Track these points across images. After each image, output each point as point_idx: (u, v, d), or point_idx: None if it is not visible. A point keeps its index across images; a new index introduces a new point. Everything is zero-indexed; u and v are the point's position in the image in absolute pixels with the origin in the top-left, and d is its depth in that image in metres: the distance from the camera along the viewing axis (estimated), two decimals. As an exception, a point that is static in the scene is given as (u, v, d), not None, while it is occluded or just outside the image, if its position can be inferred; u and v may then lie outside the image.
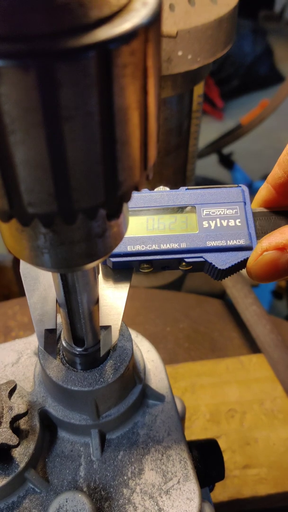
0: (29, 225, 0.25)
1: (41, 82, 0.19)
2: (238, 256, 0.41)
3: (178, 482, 0.45)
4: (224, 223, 0.42)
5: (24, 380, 0.50)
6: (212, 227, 0.41)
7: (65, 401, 0.46)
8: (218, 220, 0.42)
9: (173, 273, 1.20)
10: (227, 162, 2.31)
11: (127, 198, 0.26)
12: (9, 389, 0.44)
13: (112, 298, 0.41)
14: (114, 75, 0.20)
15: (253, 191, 0.45)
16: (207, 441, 0.50)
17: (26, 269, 0.41)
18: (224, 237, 0.41)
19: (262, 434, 0.72)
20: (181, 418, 0.53)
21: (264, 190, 0.44)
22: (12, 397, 0.45)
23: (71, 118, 0.20)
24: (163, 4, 0.68)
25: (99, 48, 0.19)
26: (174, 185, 0.44)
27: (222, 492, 0.65)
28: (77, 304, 0.39)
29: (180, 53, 0.70)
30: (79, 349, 0.43)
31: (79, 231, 0.28)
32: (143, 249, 0.40)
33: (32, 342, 0.54)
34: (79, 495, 0.41)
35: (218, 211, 0.42)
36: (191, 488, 0.44)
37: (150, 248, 0.40)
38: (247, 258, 0.40)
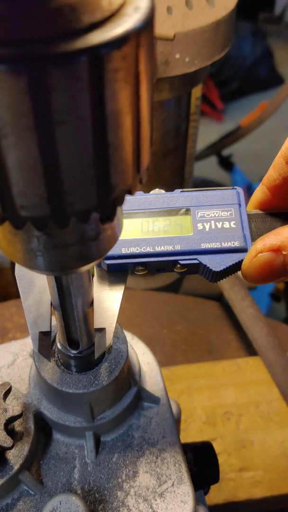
0: (22, 228, 0.25)
1: (33, 86, 0.19)
2: (233, 258, 0.41)
3: (173, 485, 0.45)
4: (219, 225, 0.41)
5: (20, 382, 0.50)
6: (207, 229, 0.41)
7: (60, 403, 0.46)
8: (212, 222, 0.42)
9: (170, 275, 1.20)
10: (226, 164, 2.31)
11: (120, 201, 0.26)
12: (4, 391, 0.44)
13: (107, 301, 0.41)
14: (106, 80, 0.20)
15: (252, 193, 0.45)
16: (202, 444, 0.50)
17: (21, 271, 0.41)
18: (219, 239, 0.41)
19: (258, 437, 0.72)
20: (177, 421, 0.53)
21: (260, 192, 0.43)
22: (7, 399, 0.44)
23: (63, 122, 0.20)
24: (161, 7, 0.69)
25: (90, 52, 0.19)
26: (171, 188, 0.44)
27: (217, 495, 0.65)
28: (72, 306, 0.39)
29: (177, 55, 0.70)
30: (74, 352, 0.43)
31: (72, 234, 0.28)
32: (138, 251, 0.40)
33: (28, 343, 0.54)
34: (73, 498, 0.41)
35: (213, 213, 0.42)
36: (185, 491, 0.44)
37: (144, 251, 0.40)
38: (242, 260, 0.40)
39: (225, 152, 2.16)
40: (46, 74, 0.19)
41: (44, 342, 0.40)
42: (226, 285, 0.89)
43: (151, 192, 0.44)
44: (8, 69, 0.18)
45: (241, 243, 0.41)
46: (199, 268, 0.41)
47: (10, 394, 0.46)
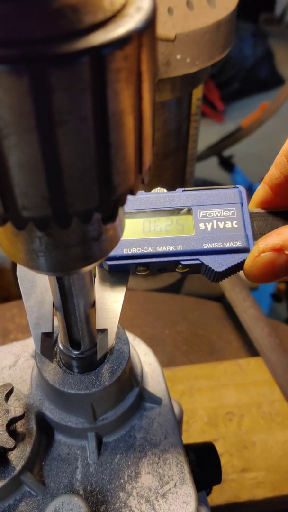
0: (24, 229, 0.25)
1: (35, 87, 0.19)
2: (235, 258, 0.40)
3: (175, 485, 0.44)
4: (221, 225, 0.41)
5: (22, 383, 0.50)
6: (209, 229, 0.41)
7: (62, 404, 0.46)
8: (214, 221, 0.41)
9: (172, 276, 1.20)
10: (227, 164, 2.31)
11: (122, 202, 0.26)
12: (6, 392, 0.44)
13: (109, 301, 0.41)
14: (108, 80, 0.20)
15: (253, 193, 0.44)
16: (204, 445, 0.50)
17: (22, 272, 0.41)
18: (221, 239, 0.41)
19: (260, 438, 0.72)
20: (178, 421, 0.53)
21: (261, 191, 0.43)
22: (8, 400, 0.44)
23: (64, 123, 0.20)
24: (162, 7, 0.69)
25: (92, 53, 0.19)
26: (172, 188, 0.44)
27: (219, 495, 0.65)
28: (74, 306, 0.39)
29: (178, 56, 0.70)
30: (76, 352, 0.43)
31: (74, 235, 0.28)
32: (139, 251, 0.40)
33: (30, 344, 0.54)
34: (75, 499, 0.41)
35: (215, 212, 0.42)
36: (188, 491, 0.44)
37: (146, 251, 0.40)
38: (244, 260, 0.40)
39: (226, 153, 2.16)
40: (47, 75, 0.19)
41: (46, 343, 0.40)
42: (228, 286, 0.89)
43: (152, 191, 0.44)
44: (9, 69, 0.18)
45: (243, 243, 0.40)
46: (201, 269, 0.41)
47: (12, 395, 0.46)
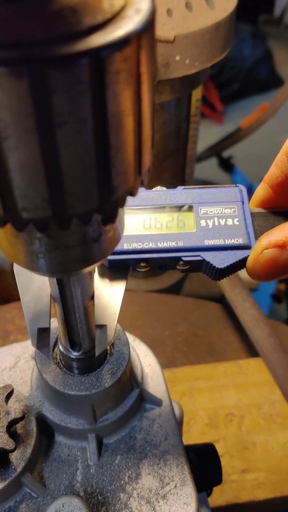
0: (23, 230, 0.25)
1: (34, 88, 0.19)
2: (237, 255, 0.40)
3: (175, 486, 0.44)
4: (222, 222, 0.41)
5: (22, 384, 0.50)
6: (210, 226, 0.41)
7: (62, 406, 0.46)
8: (216, 219, 0.41)
9: (171, 277, 1.20)
10: (227, 165, 2.31)
11: (121, 203, 0.26)
12: (6, 394, 0.44)
13: (108, 297, 0.40)
14: (107, 82, 0.20)
15: (252, 194, 0.44)
16: (205, 446, 0.50)
17: (19, 267, 0.41)
18: (222, 236, 0.40)
19: (261, 439, 0.72)
20: (179, 422, 0.53)
21: (262, 190, 0.43)
22: (9, 402, 0.44)
23: (64, 124, 0.20)
24: (161, 9, 0.69)
25: (92, 55, 0.19)
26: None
27: (220, 496, 0.65)
28: (73, 308, 0.39)
29: (177, 57, 0.70)
30: (75, 354, 0.43)
31: (74, 236, 0.28)
32: (140, 247, 0.40)
33: (30, 346, 0.54)
34: (76, 500, 0.41)
35: (216, 210, 0.42)
36: (188, 492, 0.44)
37: (147, 246, 0.40)
38: (246, 257, 0.40)
39: (226, 153, 2.16)
40: (47, 76, 0.19)
41: (43, 338, 0.39)
42: (228, 287, 0.89)
43: (153, 189, 0.43)
44: (9, 71, 0.18)
45: (244, 240, 0.40)
46: (202, 266, 0.41)
47: (12, 397, 0.46)
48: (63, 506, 0.41)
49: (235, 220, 0.41)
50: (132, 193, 0.26)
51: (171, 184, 0.98)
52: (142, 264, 0.41)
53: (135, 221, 0.41)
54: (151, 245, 0.40)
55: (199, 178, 1.87)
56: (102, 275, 0.41)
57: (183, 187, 0.43)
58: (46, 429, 0.47)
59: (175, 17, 0.69)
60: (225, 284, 0.90)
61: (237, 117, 3.02)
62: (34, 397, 0.47)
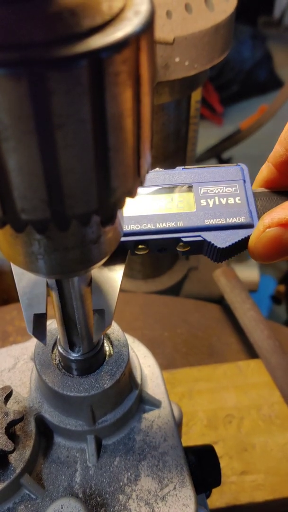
0: (22, 231, 0.25)
1: (33, 90, 0.19)
2: (239, 234, 0.39)
3: (174, 488, 0.44)
4: (223, 201, 0.40)
5: (21, 386, 0.50)
6: (211, 205, 0.39)
7: (61, 407, 0.46)
8: (216, 198, 0.40)
9: (171, 278, 1.20)
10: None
11: (120, 204, 0.26)
12: (5, 395, 0.44)
13: (106, 282, 0.39)
14: (106, 83, 0.20)
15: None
16: (204, 447, 0.50)
17: None
18: (223, 215, 0.39)
19: (260, 440, 0.72)
20: (178, 424, 0.53)
21: (265, 170, 0.42)
22: (8, 403, 0.44)
23: (63, 126, 0.20)
24: (160, 11, 0.69)
25: (91, 56, 0.19)
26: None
27: (219, 498, 0.65)
28: (73, 309, 0.39)
29: (177, 59, 0.70)
30: (74, 355, 0.43)
31: (73, 238, 0.28)
32: (138, 228, 0.39)
33: (29, 347, 0.54)
34: (74, 501, 0.41)
35: (217, 189, 0.40)
36: (187, 494, 0.44)
37: (145, 228, 0.39)
38: (248, 237, 0.38)
39: (225, 155, 2.16)
40: (46, 78, 0.19)
41: (39, 324, 0.38)
42: (227, 288, 0.89)
43: (151, 170, 0.42)
44: (8, 73, 0.18)
45: (246, 218, 0.39)
46: (203, 246, 0.39)
47: (11, 398, 0.46)
48: (62, 508, 0.41)
49: (237, 198, 0.40)
50: (131, 194, 0.26)
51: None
52: (140, 247, 0.39)
53: (133, 202, 0.39)
54: (149, 226, 0.39)
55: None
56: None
57: (182, 167, 0.42)
58: (45, 431, 0.47)
59: (175, 18, 0.69)
60: (225, 286, 0.90)
61: (236, 118, 3.02)
62: (33, 399, 0.47)
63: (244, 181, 0.41)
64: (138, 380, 0.49)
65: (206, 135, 2.24)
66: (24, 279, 0.39)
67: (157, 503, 0.43)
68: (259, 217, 0.39)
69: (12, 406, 0.46)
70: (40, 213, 0.23)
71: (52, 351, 0.46)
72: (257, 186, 0.42)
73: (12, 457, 0.43)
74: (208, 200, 0.40)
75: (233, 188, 0.40)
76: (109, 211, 0.26)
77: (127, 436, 0.48)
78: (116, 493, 0.44)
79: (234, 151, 1.93)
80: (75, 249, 0.29)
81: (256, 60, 3.44)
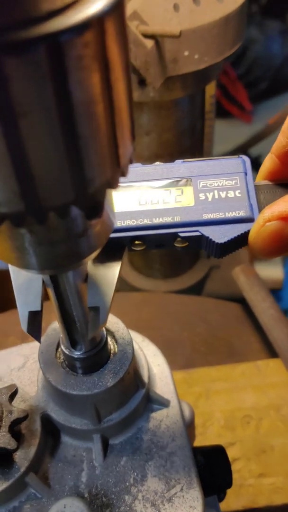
0: (0, 225, 0.24)
1: (-10, 77, 0.18)
2: (238, 229, 0.37)
3: (181, 489, 0.43)
4: (223, 195, 0.38)
5: (30, 385, 0.50)
6: (210, 199, 0.38)
7: (66, 406, 0.45)
8: (216, 191, 0.39)
9: (192, 277, 1.19)
10: (255, 164, 2.27)
11: (101, 195, 0.26)
12: (10, 393, 0.44)
13: (101, 279, 0.38)
14: (69, 68, 0.20)
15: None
16: (213, 448, 0.49)
17: None
18: (222, 209, 0.38)
19: (279, 442, 0.70)
20: (189, 424, 0.51)
21: (268, 162, 0.40)
22: (14, 401, 0.44)
23: (26, 114, 0.20)
24: (167, 5, 0.68)
25: (48, 40, 0.18)
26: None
27: (236, 501, 0.63)
28: (70, 307, 0.38)
29: (186, 53, 0.69)
30: (77, 353, 0.43)
31: (57, 231, 0.28)
32: (134, 224, 0.38)
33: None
34: (77, 501, 0.40)
35: (216, 182, 0.39)
36: (195, 496, 0.43)
37: (141, 223, 0.38)
38: (248, 231, 0.37)
39: (254, 153, 2.13)
40: (2, 64, 0.18)
41: (34, 322, 0.38)
42: (246, 286, 0.87)
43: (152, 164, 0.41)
44: None
45: (246, 212, 0.37)
46: (201, 242, 0.38)
47: (18, 397, 0.46)
48: (64, 507, 0.40)
49: (237, 192, 0.38)
50: (111, 185, 0.25)
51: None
52: (137, 243, 0.38)
53: (129, 197, 0.39)
54: (146, 222, 0.38)
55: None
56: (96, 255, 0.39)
57: (182, 160, 0.41)
58: (52, 430, 0.47)
59: (182, 11, 0.68)
60: (244, 283, 0.88)
61: (266, 116, 2.96)
62: (40, 397, 0.47)
63: (246, 174, 0.40)
64: (145, 379, 0.48)
65: (235, 133, 2.21)
66: (21, 277, 0.38)
67: (164, 505, 0.42)
68: (260, 210, 0.38)
69: (19, 404, 0.46)
70: (14, 206, 0.23)
71: (57, 349, 0.46)
72: (260, 178, 0.41)
73: (17, 456, 0.43)
74: (207, 193, 0.39)
75: (234, 181, 0.39)
76: (89, 203, 0.25)
77: (134, 435, 0.47)
78: (122, 493, 0.43)
79: (263, 148, 1.89)
80: (60, 243, 0.28)
81: (286, 56, 3.37)
